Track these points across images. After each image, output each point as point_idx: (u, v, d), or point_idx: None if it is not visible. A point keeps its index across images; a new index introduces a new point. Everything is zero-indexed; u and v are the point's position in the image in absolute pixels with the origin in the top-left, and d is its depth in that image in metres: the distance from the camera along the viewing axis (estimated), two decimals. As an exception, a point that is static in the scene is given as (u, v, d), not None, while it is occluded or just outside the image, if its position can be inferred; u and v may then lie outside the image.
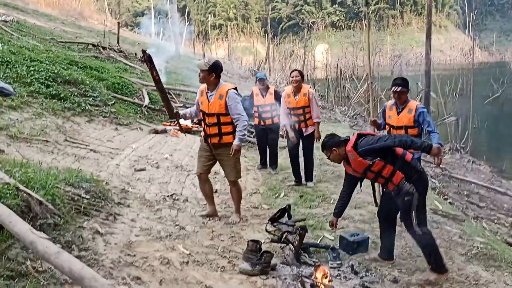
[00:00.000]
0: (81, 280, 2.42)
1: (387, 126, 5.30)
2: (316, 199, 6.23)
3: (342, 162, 4.24)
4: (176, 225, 4.45)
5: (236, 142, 4.78)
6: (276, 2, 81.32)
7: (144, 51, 4.40)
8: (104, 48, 17.22)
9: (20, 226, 2.76)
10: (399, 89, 5.01)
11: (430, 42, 20.22)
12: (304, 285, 3.78)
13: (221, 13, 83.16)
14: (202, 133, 4.87)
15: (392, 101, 5.26)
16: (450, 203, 7.90)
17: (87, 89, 8.04)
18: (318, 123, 6.78)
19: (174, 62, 26.25)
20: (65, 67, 8.87)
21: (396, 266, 4.34)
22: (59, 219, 3.47)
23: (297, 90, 6.61)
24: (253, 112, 7.58)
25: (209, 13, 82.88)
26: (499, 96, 26.46)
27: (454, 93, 26.43)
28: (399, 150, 4.00)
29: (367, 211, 5.80)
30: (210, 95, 4.69)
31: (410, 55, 62.21)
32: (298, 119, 6.68)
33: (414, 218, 3.96)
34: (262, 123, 7.56)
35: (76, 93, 7.75)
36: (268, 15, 67.34)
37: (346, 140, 4.13)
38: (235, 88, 4.85)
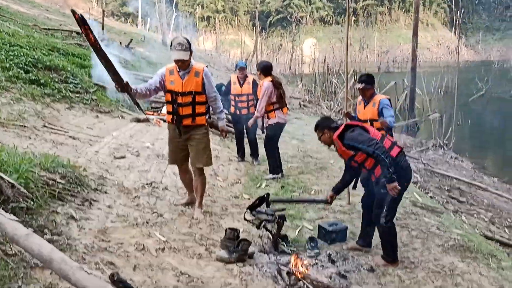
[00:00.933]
0: (50, 262, 2.37)
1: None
2: (297, 190, 6.23)
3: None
4: (154, 212, 4.40)
5: (222, 123, 4.74)
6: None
7: (73, 11, 3.72)
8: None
9: (-12, 208, 2.69)
10: (361, 86, 5.21)
11: (416, 39, 20.35)
12: (281, 273, 3.77)
13: (209, 5, 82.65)
14: (168, 117, 4.56)
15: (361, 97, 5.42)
16: (430, 197, 7.96)
17: (68, 76, 7.90)
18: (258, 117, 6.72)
19: (161, 53, 26.05)
20: (46, 53, 8.71)
21: (374, 255, 4.35)
22: (32, 203, 3.40)
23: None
24: (230, 99, 7.56)
25: (197, 4, 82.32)
26: (484, 94, 26.76)
27: (440, 91, 26.70)
28: (387, 143, 4.05)
29: (347, 201, 5.81)
30: (183, 73, 4.41)
31: (397, 52, 62.56)
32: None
33: (385, 210, 4.06)
34: (237, 112, 7.51)
35: (56, 79, 7.62)
36: (256, 8, 67.15)
37: (336, 128, 4.18)
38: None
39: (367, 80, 5.25)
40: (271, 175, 6.78)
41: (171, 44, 4.32)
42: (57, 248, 3.07)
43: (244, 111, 7.41)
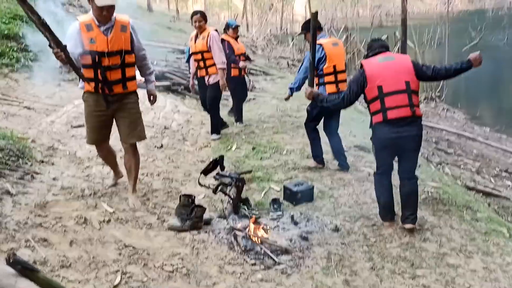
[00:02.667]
0: None
1: None
2: (269, 151, 5.96)
3: None
4: (104, 183, 4.15)
5: (152, 87, 4.06)
6: (252, -47, 78.83)
7: None
8: (62, 4, 16.34)
9: None
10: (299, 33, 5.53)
11: (406, -11, 19.78)
12: (237, 238, 3.55)
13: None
14: (89, 86, 3.63)
15: None
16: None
17: (28, 44, 7.51)
18: (223, 69, 6.09)
19: (145, 18, 25.31)
20: (7, 21, 8.27)
21: (339, 214, 4.13)
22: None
23: (200, 33, 6.11)
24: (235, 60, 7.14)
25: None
26: (477, 44, 26.28)
27: (432, 42, 26.26)
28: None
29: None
30: (106, 28, 3.52)
31: (390, 6, 61.44)
32: (197, 65, 6.22)
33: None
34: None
35: (15, 48, 7.24)
36: (244, -33, 65.46)
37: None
38: None
39: (303, 26, 5.43)
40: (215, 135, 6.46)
41: None
42: (-17, 226, 2.84)
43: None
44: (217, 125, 6.48)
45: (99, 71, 3.57)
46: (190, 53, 6.36)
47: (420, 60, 19.31)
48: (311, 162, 5.45)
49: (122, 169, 4.14)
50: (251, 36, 31.86)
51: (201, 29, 6.05)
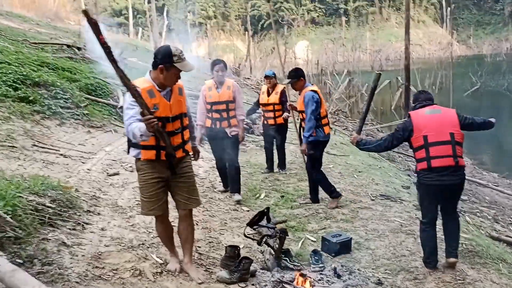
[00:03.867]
0: (36, 302, 2.20)
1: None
2: (297, 199, 6.06)
3: None
4: (149, 232, 4.22)
5: (196, 143, 4.02)
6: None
7: (85, 11, 2.98)
8: (79, 48, 16.72)
9: (-29, 243, 2.52)
10: (288, 81, 6.02)
11: (409, 37, 20.28)
12: (286, 291, 3.61)
13: (200, 12, 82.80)
14: (150, 154, 3.41)
15: None
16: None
17: (58, 91, 7.71)
18: (243, 120, 6.03)
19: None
20: (35, 69, 8.50)
21: (379, 267, 4.19)
22: (21, 231, 3.22)
23: (220, 84, 5.79)
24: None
25: (189, 11, 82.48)
26: (478, 89, 26.80)
27: (434, 87, 26.77)
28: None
29: (349, 209, 5.66)
30: (165, 94, 3.45)
31: (390, 50, 62.86)
32: (220, 116, 5.80)
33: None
34: (265, 122, 7.49)
35: (46, 96, 7.42)
36: (247, 13, 67.28)
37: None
38: None
39: (291, 75, 5.94)
40: (237, 195, 5.95)
41: (170, 55, 3.31)
42: (48, 279, 2.92)
43: (271, 121, 7.34)
44: (240, 184, 6.04)
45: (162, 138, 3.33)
46: (210, 102, 5.80)
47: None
48: (333, 202, 5.79)
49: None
50: (255, 79, 32.45)
51: (222, 78, 5.78)
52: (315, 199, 5.95)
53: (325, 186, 5.84)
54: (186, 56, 3.39)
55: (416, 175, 4.22)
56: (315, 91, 5.72)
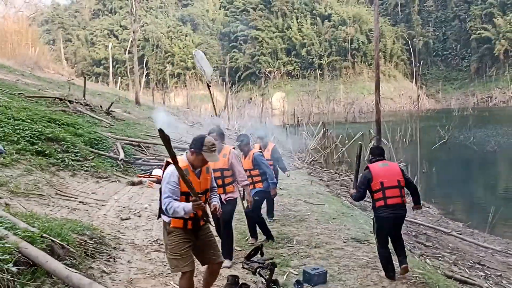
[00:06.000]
0: (111, 303, 3.20)
1: None
2: (281, 241, 7.11)
3: None
4: (165, 265, 5.20)
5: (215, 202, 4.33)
6: (233, 52, 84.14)
7: (161, 131, 3.54)
8: (70, 101, 17.62)
9: (55, 265, 3.52)
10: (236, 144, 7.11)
11: (379, 94, 21.80)
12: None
13: (179, 63, 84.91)
14: (178, 222, 3.94)
15: None
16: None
17: (69, 146, 8.75)
18: (247, 185, 6.05)
19: (136, 113, 27.00)
20: (46, 125, 9.55)
21: (350, 292, 5.24)
22: (74, 260, 4.20)
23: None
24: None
25: (168, 62, 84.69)
26: (446, 142, 28.29)
27: (404, 139, 28.19)
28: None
29: (325, 250, 6.72)
30: (197, 172, 4.03)
31: (363, 103, 65.43)
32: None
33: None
34: None
35: (59, 150, 8.44)
36: (226, 64, 69.64)
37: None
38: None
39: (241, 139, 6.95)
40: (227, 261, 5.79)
41: (201, 144, 3.93)
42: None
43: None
44: (232, 248, 6.04)
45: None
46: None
47: (395, 157, 21.02)
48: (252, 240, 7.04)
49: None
50: (234, 129, 33.72)
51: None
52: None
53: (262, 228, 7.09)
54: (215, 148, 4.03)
55: (374, 212, 5.67)
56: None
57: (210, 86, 6.03)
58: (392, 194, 5.44)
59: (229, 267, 5.66)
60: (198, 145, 3.95)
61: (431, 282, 5.84)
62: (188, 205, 3.74)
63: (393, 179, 5.49)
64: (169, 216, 3.93)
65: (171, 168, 3.87)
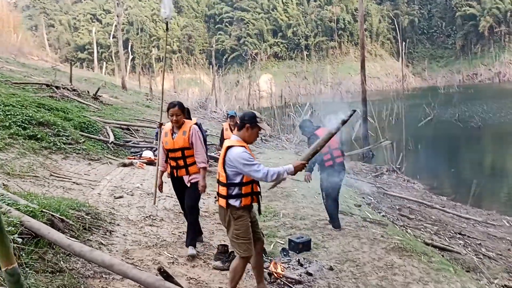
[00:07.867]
0: (111, 266, 3.51)
1: None
2: (269, 215, 7.46)
3: None
4: (158, 237, 5.52)
5: None
6: (219, 34, 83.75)
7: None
8: (57, 87, 17.67)
9: (57, 235, 3.81)
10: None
11: (364, 73, 22.12)
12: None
13: (164, 46, 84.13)
14: (247, 201, 4.07)
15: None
16: (382, 215, 9.29)
17: (59, 130, 8.96)
18: (204, 168, 5.28)
19: (123, 98, 27.08)
20: (36, 110, 9.73)
21: (332, 259, 5.62)
22: (73, 233, 4.49)
23: (177, 127, 5.22)
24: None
25: (153, 46, 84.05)
26: (432, 119, 28.78)
27: (391, 118, 28.61)
28: None
29: (310, 221, 7.09)
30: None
31: (350, 83, 65.80)
32: (176, 164, 5.27)
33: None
34: None
35: (50, 134, 8.65)
36: (212, 47, 69.36)
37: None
38: None
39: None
40: (191, 248, 5.23)
41: (255, 117, 4.05)
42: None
43: None
44: (196, 236, 5.53)
45: (254, 185, 4.11)
46: (166, 149, 5.30)
47: (381, 135, 21.42)
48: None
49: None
50: (221, 112, 33.89)
51: (178, 123, 5.16)
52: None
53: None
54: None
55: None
56: None
57: (169, 25, 6.01)
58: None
59: (193, 256, 5.12)
60: (252, 119, 4.06)
61: (408, 247, 6.24)
62: (286, 167, 3.95)
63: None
64: (237, 198, 4.01)
65: (240, 149, 3.93)
